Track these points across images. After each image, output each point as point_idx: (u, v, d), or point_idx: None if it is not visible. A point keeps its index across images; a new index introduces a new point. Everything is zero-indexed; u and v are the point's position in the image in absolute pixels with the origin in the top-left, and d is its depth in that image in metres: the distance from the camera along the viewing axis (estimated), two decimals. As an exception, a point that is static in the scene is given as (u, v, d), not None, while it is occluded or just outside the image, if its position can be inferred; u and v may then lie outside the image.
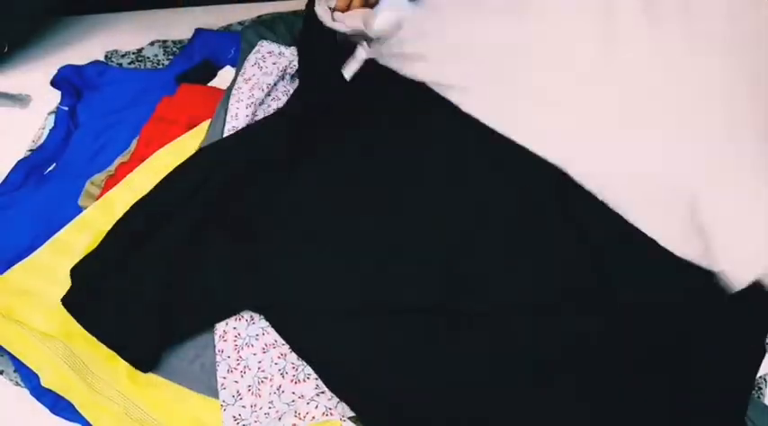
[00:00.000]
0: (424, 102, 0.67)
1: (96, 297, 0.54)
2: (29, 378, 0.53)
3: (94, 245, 0.57)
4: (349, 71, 0.65)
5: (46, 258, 0.59)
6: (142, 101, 0.70)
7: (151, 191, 0.59)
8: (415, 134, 0.65)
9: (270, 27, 0.75)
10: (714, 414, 0.51)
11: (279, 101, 0.69)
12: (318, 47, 0.69)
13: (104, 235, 0.57)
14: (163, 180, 0.60)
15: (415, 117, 0.66)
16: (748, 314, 0.55)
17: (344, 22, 0.66)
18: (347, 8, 0.69)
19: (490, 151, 0.64)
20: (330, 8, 0.69)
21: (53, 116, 0.71)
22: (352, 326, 0.54)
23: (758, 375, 0.53)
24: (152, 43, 0.77)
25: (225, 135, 0.64)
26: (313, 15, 0.68)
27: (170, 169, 0.61)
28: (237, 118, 0.65)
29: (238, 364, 0.53)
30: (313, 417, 0.50)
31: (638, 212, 0.51)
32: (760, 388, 0.53)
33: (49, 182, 0.65)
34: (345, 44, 0.69)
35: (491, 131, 0.64)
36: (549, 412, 0.50)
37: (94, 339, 0.53)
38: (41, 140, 0.69)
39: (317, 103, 0.65)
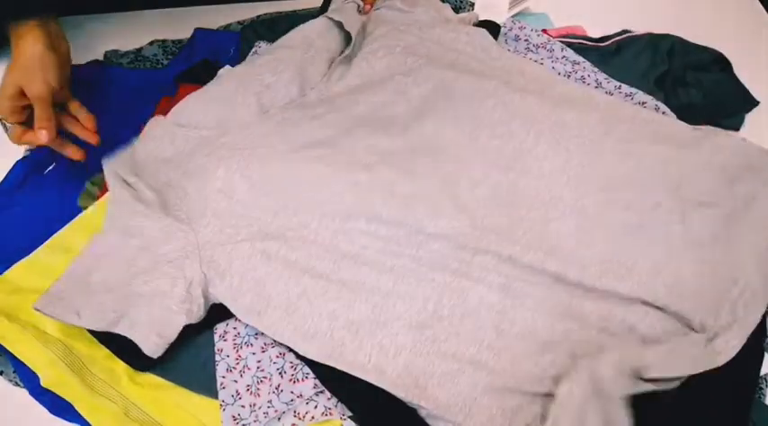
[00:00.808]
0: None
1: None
2: (28, 378, 0.53)
3: (94, 245, 0.57)
4: None
5: (46, 258, 0.59)
6: (142, 100, 0.70)
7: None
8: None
9: (270, 27, 0.75)
10: (715, 414, 0.50)
11: (279, 100, 0.69)
12: None
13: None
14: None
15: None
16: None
17: None
18: None
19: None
20: None
21: (53, 116, 0.70)
22: (352, 326, 0.54)
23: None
24: (151, 43, 0.77)
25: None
26: None
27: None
28: (237, 118, 0.65)
29: (237, 363, 0.53)
30: (312, 417, 0.50)
31: None
32: (761, 388, 0.52)
33: (48, 182, 0.65)
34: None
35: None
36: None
37: (94, 339, 0.53)
38: (41, 140, 0.69)
39: None
